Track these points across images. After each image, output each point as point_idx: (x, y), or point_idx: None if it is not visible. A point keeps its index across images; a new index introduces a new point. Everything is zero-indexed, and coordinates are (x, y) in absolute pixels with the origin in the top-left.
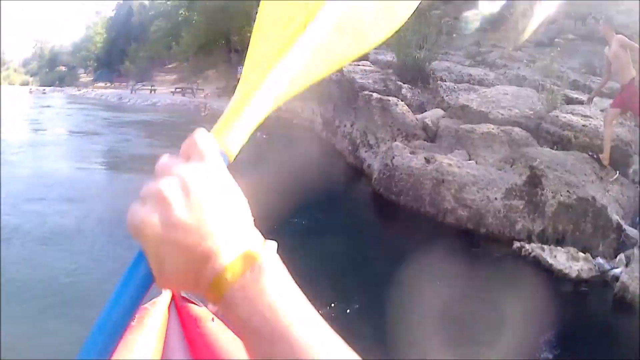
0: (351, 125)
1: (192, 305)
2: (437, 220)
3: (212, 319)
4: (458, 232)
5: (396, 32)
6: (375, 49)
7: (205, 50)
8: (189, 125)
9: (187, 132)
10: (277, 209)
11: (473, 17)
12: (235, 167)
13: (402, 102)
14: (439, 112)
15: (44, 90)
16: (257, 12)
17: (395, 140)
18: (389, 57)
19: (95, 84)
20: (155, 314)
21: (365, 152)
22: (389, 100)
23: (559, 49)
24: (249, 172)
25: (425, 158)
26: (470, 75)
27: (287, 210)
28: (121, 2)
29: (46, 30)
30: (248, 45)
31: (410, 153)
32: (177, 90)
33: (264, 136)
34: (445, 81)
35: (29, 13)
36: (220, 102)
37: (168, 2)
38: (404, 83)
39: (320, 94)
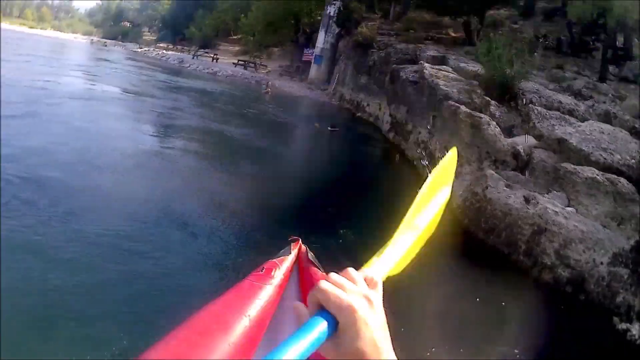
0: (428, 134)
1: (314, 268)
2: (532, 274)
3: None
4: (553, 293)
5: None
6: (460, 54)
7: (272, 27)
8: (248, 103)
9: (244, 109)
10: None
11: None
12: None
13: (494, 123)
14: (530, 140)
15: (105, 42)
16: None
17: (482, 164)
18: (472, 66)
19: (158, 44)
20: (281, 269)
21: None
22: (481, 118)
23: None
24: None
25: (525, 197)
26: (561, 103)
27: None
28: None
29: None
30: (317, 28)
31: (507, 187)
32: (240, 62)
33: (316, 124)
34: (535, 104)
35: None
36: (282, 81)
37: None
38: (490, 99)
39: (391, 91)
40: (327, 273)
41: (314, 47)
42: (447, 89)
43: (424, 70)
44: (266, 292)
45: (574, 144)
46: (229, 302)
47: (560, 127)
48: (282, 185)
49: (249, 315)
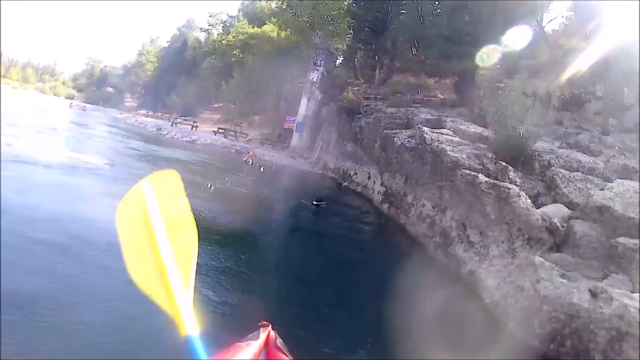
0: (436, 209)
1: (282, 355)
2: None
3: None
4: None
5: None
6: (454, 115)
7: (254, 94)
8: (225, 174)
9: (219, 181)
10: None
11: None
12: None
13: (524, 194)
14: (562, 209)
15: (84, 107)
16: (313, 62)
17: (514, 244)
18: (473, 128)
19: (138, 111)
20: (247, 353)
21: (465, 251)
22: (509, 190)
23: None
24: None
25: (590, 291)
26: (580, 162)
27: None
28: (177, 33)
29: (100, 48)
30: (299, 95)
31: (562, 277)
32: (220, 130)
33: (315, 203)
34: (554, 166)
35: (86, 30)
36: (263, 150)
37: (223, 42)
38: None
39: (382, 159)
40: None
41: (295, 114)
42: (455, 154)
43: (424, 135)
44: None
45: (619, 211)
46: None
47: (593, 191)
48: (260, 270)
49: None
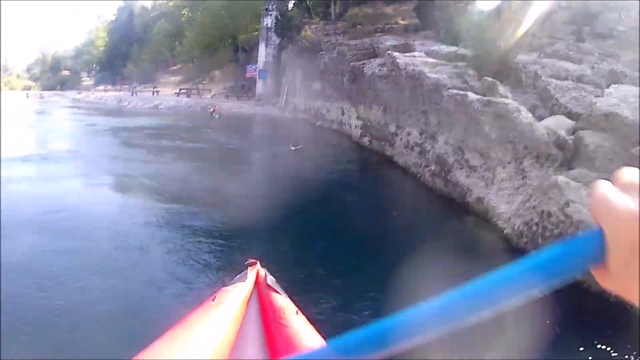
0: (424, 135)
1: (277, 294)
2: None
3: (297, 312)
4: None
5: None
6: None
7: (210, 50)
8: (193, 133)
9: (189, 142)
10: None
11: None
12: None
13: (524, 108)
14: (563, 120)
15: (42, 94)
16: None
17: (522, 163)
18: (445, 48)
19: (96, 88)
20: (235, 296)
21: (467, 177)
22: (507, 105)
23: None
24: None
25: None
26: (568, 70)
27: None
28: (122, 5)
29: (49, 36)
30: (256, 42)
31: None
32: (182, 91)
33: (292, 148)
34: (541, 77)
35: (31, 19)
36: (229, 103)
37: (170, 3)
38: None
39: (354, 92)
40: (291, 299)
41: (256, 62)
42: (435, 75)
43: (397, 60)
44: (217, 323)
45: (629, 117)
46: (176, 338)
47: (589, 99)
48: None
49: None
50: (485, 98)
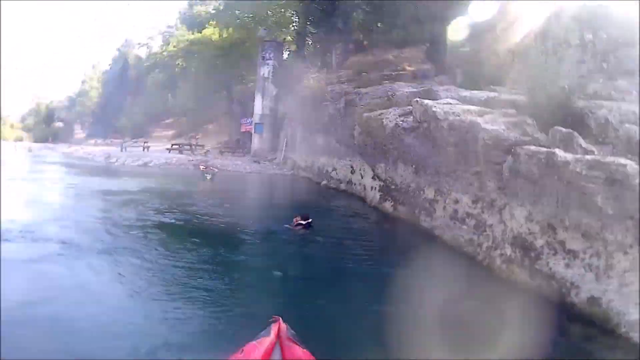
0: (480, 205)
1: (296, 347)
2: None
3: None
4: None
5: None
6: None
7: (204, 102)
8: (181, 200)
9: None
10: None
11: None
12: None
13: None
14: None
15: (30, 147)
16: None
17: None
18: (478, 94)
19: (87, 141)
20: (261, 349)
21: (568, 267)
22: (625, 167)
23: None
24: None
25: None
26: (635, 114)
27: None
28: (117, 54)
29: (44, 85)
30: (251, 94)
31: None
32: (174, 146)
33: (299, 228)
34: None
35: (27, 68)
36: (224, 160)
37: (164, 53)
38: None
39: (369, 147)
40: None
41: (251, 115)
42: (493, 127)
43: (433, 109)
44: None
45: None
46: None
47: None
48: None
49: None
50: (590, 157)
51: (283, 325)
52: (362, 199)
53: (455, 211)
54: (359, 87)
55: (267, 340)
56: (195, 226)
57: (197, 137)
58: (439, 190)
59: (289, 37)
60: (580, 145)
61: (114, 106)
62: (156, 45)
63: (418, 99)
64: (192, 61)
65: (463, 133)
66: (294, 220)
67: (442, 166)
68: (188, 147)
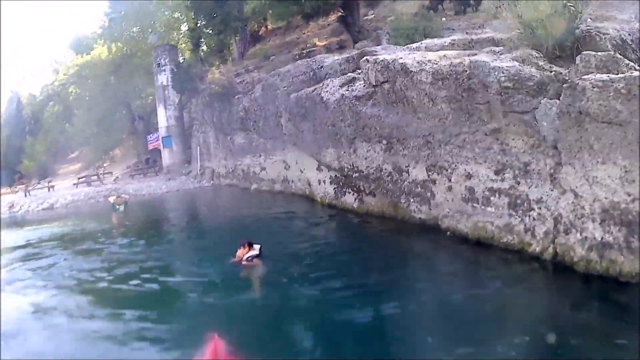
0: (518, 175)
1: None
2: None
3: None
4: None
5: None
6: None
7: (104, 125)
8: (84, 245)
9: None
10: None
11: None
12: None
13: None
14: None
15: None
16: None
17: None
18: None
19: None
20: None
21: None
22: None
23: None
24: None
25: None
26: None
27: None
28: (10, 95)
29: None
30: (152, 107)
31: None
32: (81, 180)
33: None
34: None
35: None
36: (135, 184)
37: (55, 83)
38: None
39: (306, 131)
40: None
41: (157, 130)
42: (506, 64)
43: (400, 61)
44: None
45: None
46: None
47: None
48: None
49: None
50: None
51: (220, 342)
52: (309, 198)
53: (470, 190)
54: (271, 72)
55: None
56: (98, 293)
57: (103, 165)
58: (436, 167)
59: (183, 38)
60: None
61: (14, 150)
62: (47, 78)
63: (368, 58)
64: (85, 86)
65: (461, 80)
66: (239, 252)
67: (434, 133)
68: (96, 177)
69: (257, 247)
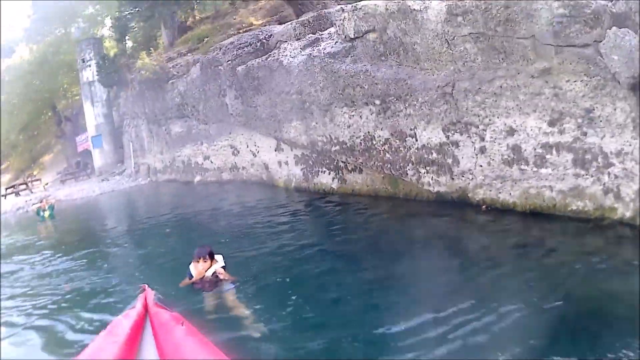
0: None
1: (164, 311)
2: None
3: (182, 323)
4: None
5: None
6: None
7: (30, 131)
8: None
9: None
10: None
11: None
12: None
13: None
14: None
15: None
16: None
17: None
18: None
19: None
20: (127, 324)
21: None
22: None
23: None
24: None
25: None
26: None
27: None
28: None
29: None
30: (80, 107)
31: None
32: (8, 191)
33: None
34: None
35: None
36: (67, 189)
37: None
38: None
39: (260, 105)
40: (178, 312)
41: (86, 130)
42: None
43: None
44: (112, 350)
45: None
46: None
47: None
48: None
49: None
50: None
51: (150, 293)
52: (266, 184)
53: (515, 149)
54: (207, 52)
55: (134, 313)
56: None
57: (33, 173)
58: (458, 125)
59: (108, 29)
60: None
61: None
62: None
63: (343, 7)
64: (9, 90)
65: (495, 11)
66: (196, 267)
67: (455, 82)
68: (24, 187)
69: (219, 257)
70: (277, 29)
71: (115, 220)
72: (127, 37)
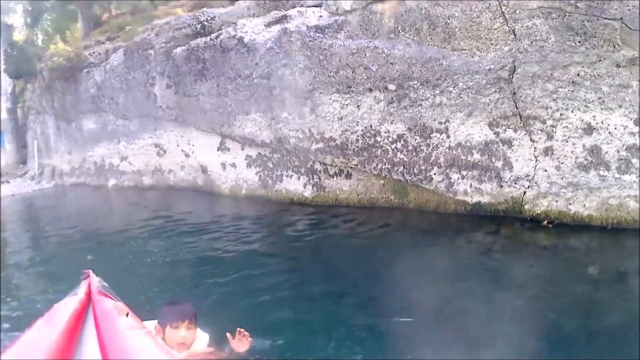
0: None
1: (108, 299)
2: None
3: (127, 314)
4: None
5: None
6: None
7: None
8: None
9: None
10: None
11: None
12: None
13: None
14: None
15: None
16: None
17: None
18: None
19: None
20: (67, 311)
21: None
22: None
23: None
24: None
25: None
26: None
27: None
28: None
29: None
30: None
31: None
32: None
33: None
34: None
35: None
36: None
37: None
38: None
39: (207, 93)
40: (123, 302)
41: None
42: None
43: None
44: (49, 342)
45: None
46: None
47: None
48: None
49: None
50: None
51: (95, 279)
52: (202, 190)
53: (593, 150)
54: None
55: (75, 300)
56: None
57: None
58: (511, 119)
59: (18, 14)
60: None
61: None
62: None
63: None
64: None
65: None
66: (170, 338)
67: (514, 64)
68: None
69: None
70: (220, 10)
71: (12, 233)
72: (36, 28)
